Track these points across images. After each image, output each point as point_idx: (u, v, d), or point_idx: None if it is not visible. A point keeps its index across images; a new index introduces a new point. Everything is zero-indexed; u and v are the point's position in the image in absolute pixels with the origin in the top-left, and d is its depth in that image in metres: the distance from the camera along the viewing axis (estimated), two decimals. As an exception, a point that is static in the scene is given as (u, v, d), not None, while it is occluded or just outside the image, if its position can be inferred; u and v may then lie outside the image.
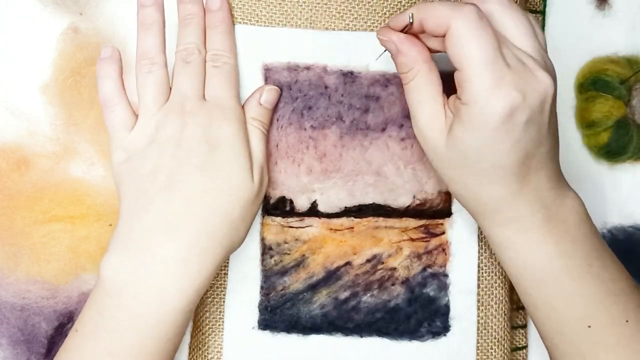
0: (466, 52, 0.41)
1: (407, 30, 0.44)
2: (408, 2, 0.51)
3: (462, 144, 0.42)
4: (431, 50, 0.45)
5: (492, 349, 0.52)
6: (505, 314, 0.52)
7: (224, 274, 0.52)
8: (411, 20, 0.43)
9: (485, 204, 0.45)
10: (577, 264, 0.44)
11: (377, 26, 0.51)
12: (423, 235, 0.52)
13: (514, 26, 0.43)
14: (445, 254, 0.52)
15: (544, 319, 0.46)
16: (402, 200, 0.52)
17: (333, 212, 0.52)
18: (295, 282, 0.52)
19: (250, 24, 0.51)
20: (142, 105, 0.48)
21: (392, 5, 0.51)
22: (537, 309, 0.46)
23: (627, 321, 0.44)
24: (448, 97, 0.44)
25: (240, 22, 0.51)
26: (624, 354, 0.44)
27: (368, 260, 0.52)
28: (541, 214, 0.44)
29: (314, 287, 0.52)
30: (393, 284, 0.52)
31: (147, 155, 0.47)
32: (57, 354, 0.47)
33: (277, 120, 0.51)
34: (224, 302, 0.52)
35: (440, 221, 0.52)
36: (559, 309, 0.45)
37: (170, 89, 0.49)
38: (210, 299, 0.52)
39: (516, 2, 0.51)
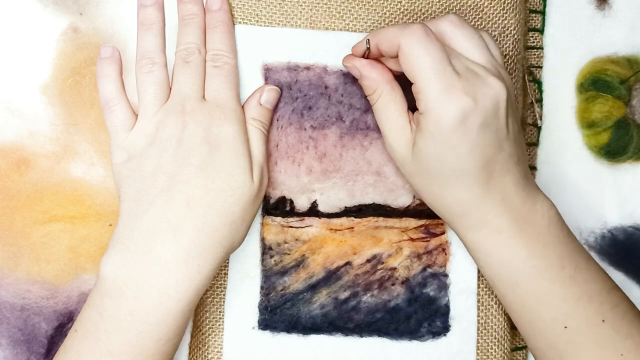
0: (416, 65, 0.43)
1: (367, 55, 0.48)
2: (408, 2, 0.51)
3: (424, 153, 0.45)
4: (395, 72, 0.47)
5: (492, 349, 0.52)
6: (505, 314, 0.52)
7: (224, 274, 0.52)
8: (368, 46, 0.47)
9: (452, 209, 0.46)
10: (548, 266, 0.45)
11: (377, 26, 0.51)
12: (423, 235, 0.52)
13: (466, 42, 0.45)
14: (445, 254, 0.52)
15: (521, 320, 0.47)
16: (402, 200, 0.52)
17: (333, 212, 0.52)
18: (295, 282, 0.52)
19: (251, 24, 0.51)
20: (142, 105, 0.48)
21: (392, 5, 0.51)
22: (513, 311, 0.47)
23: (603, 321, 0.45)
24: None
25: (240, 22, 0.51)
26: (601, 354, 0.45)
27: (368, 260, 0.52)
28: (509, 218, 0.45)
29: (314, 287, 0.52)
30: (393, 284, 0.52)
31: (147, 156, 0.47)
32: (57, 354, 0.47)
33: (277, 120, 0.51)
34: (224, 302, 0.52)
35: (440, 221, 0.52)
36: (534, 310, 0.46)
37: (171, 89, 0.49)
38: (210, 299, 0.52)
39: (516, 4, 0.51)
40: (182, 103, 0.48)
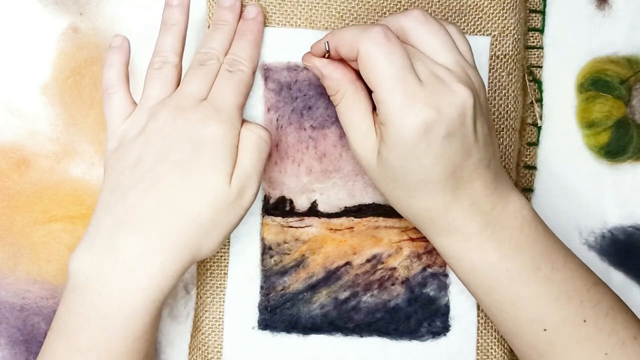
0: (376, 74, 0.41)
1: (327, 56, 0.46)
2: (408, 2, 0.51)
3: (387, 162, 0.43)
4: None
5: (492, 349, 0.52)
6: (505, 314, 0.52)
7: (224, 273, 0.52)
8: (327, 48, 0.45)
9: (419, 216, 0.45)
10: (522, 268, 0.44)
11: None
12: (423, 235, 0.52)
13: (431, 41, 0.43)
14: (445, 254, 0.52)
15: (500, 322, 0.46)
16: (402, 200, 0.52)
17: (333, 212, 0.52)
18: (295, 282, 0.52)
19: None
20: (143, 97, 0.48)
21: (391, 5, 0.51)
22: (491, 313, 0.46)
23: (584, 321, 0.44)
24: None
25: (240, 22, 0.51)
26: (584, 354, 0.44)
27: (368, 260, 0.52)
28: (479, 223, 0.44)
29: (313, 287, 0.52)
30: (393, 284, 0.52)
31: (133, 146, 0.46)
32: (39, 353, 0.46)
33: (277, 120, 0.51)
34: (224, 302, 0.52)
35: (440, 221, 0.52)
36: (511, 312, 0.45)
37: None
38: (210, 299, 0.52)
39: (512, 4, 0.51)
40: (181, 100, 0.47)
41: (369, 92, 0.44)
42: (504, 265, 0.44)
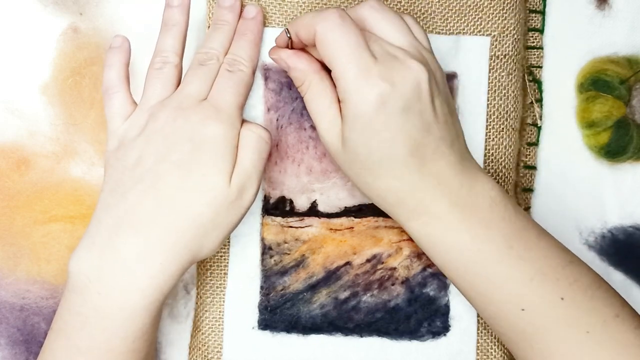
0: (332, 51, 0.43)
1: (291, 45, 0.47)
2: (408, 2, 0.51)
3: (350, 143, 0.44)
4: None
5: (492, 349, 0.52)
6: (505, 314, 0.52)
7: (224, 273, 0.52)
8: (288, 35, 0.46)
9: (387, 199, 0.45)
10: (494, 247, 0.44)
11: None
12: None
13: (386, 25, 0.44)
14: (445, 254, 0.52)
15: (479, 306, 0.46)
16: (402, 200, 0.52)
17: (333, 212, 0.52)
18: (295, 282, 0.52)
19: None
20: (143, 98, 0.48)
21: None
22: (469, 297, 0.46)
23: (562, 299, 0.44)
24: None
25: (240, 22, 0.51)
26: (565, 333, 0.44)
27: (368, 260, 0.52)
28: (447, 203, 0.44)
29: (313, 287, 0.52)
30: (393, 284, 0.52)
31: (133, 146, 0.46)
32: (40, 353, 0.47)
33: (277, 120, 0.51)
34: (224, 302, 0.52)
35: (440, 221, 0.52)
36: (487, 294, 0.45)
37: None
38: (210, 299, 0.52)
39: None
40: (181, 100, 0.47)
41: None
42: (476, 246, 0.44)
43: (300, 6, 0.50)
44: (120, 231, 0.44)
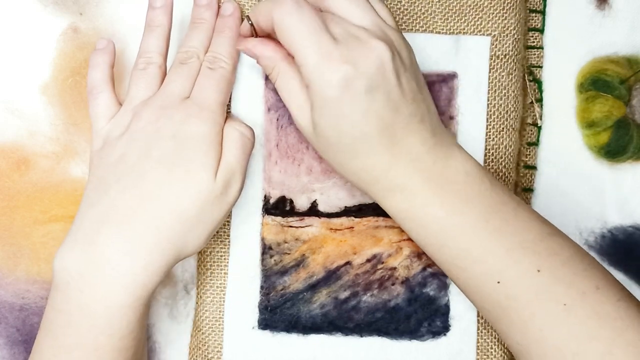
0: (290, 36, 0.42)
1: (256, 34, 0.46)
2: (408, 2, 0.51)
3: (320, 126, 0.44)
4: None
5: (492, 348, 0.52)
6: (505, 314, 0.52)
7: (224, 273, 0.52)
8: (250, 23, 0.46)
9: (362, 177, 0.45)
10: (470, 221, 0.44)
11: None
12: (423, 235, 0.52)
13: (347, 4, 0.44)
14: (446, 254, 0.52)
15: (456, 279, 0.46)
16: (402, 200, 0.52)
17: (333, 211, 0.52)
18: (295, 282, 0.52)
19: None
20: (127, 98, 0.49)
21: (391, 5, 0.51)
22: (449, 273, 0.46)
23: (538, 271, 0.43)
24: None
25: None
26: (543, 306, 0.43)
27: (368, 260, 0.52)
28: (421, 178, 0.44)
29: (314, 287, 0.52)
30: (393, 284, 0.52)
31: (116, 145, 0.47)
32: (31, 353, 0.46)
33: (277, 120, 0.51)
34: (224, 302, 0.52)
35: (441, 221, 0.52)
36: (464, 267, 0.45)
37: None
38: (210, 299, 0.52)
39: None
40: (164, 99, 0.47)
41: None
42: (452, 220, 0.44)
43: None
44: (103, 228, 0.44)
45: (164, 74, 0.49)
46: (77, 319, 0.44)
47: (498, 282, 0.44)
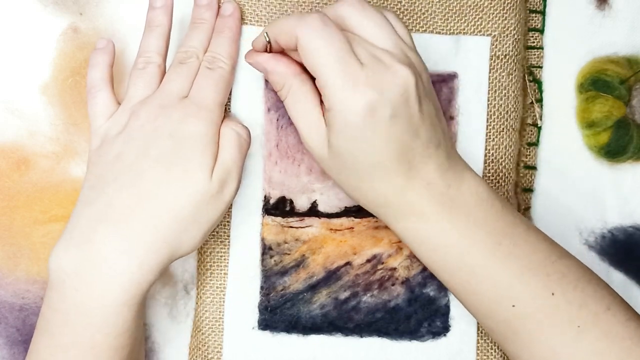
0: (316, 59, 0.42)
1: (269, 49, 0.46)
2: (408, 2, 0.51)
3: (337, 150, 0.43)
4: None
5: (492, 348, 0.52)
6: (505, 314, 0.52)
7: (224, 273, 0.52)
8: (267, 39, 0.45)
9: (375, 201, 0.45)
10: (482, 245, 0.44)
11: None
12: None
13: (369, 25, 0.43)
14: (446, 254, 0.52)
15: (468, 303, 0.46)
16: (402, 200, 0.52)
17: (333, 212, 0.52)
18: (295, 282, 0.52)
19: (251, 24, 0.51)
20: (126, 97, 0.49)
21: (392, 6, 0.51)
22: (460, 296, 0.46)
23: (552, 294, 0.44)
24: None
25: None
26: (556, 329, 0.44)
27: (368, 260, 0.52)
28: (435, 202, 0.44)
29: (314, 287, 0.52)
30: (393, 284, 0.52)
31: (114, 143, 0.47)
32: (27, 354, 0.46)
33: (277, 120, 0.51)
34: (224, 302, 0.52)
35: (440, 221, 0.52)
36: (478, 292, 0.45)
37: None
38: (210, 299, 0.52)
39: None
40: (162, 98, 0.47)
41: (315, 83, 0.44)
42: (464, 243, 0.44)
43: (301, 5, 0.50)
44: (99, 226, 0.44)
45: (163, 74, 0.49)
46: (73, 318, 0.44)
47: (513, 306, 0.44)
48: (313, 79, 0.44)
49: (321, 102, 0.44)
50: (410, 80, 0.42)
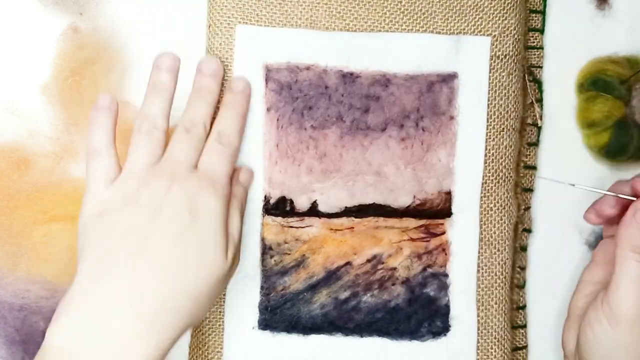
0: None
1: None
2: (408, 2, 0.51)
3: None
4: None
5: (492, 349, 0.52)
6: (505, 314, 0.52)
7: (224, 274, 0.52)
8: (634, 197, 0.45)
9: None
10: None
11: (377, 26, 0.51)
12: (423, 235, 0.52)
13: None
14: (446, 254, 0.52)
15: None
16: (402, 200, 0.52)
17: (333, 212, 0.52)
18: (295, 282, 0.52)
19: (251, 24, 0.51)
20: (129, 161, 0.47)
21: (392, 5, 0.51)
22: None
23: None
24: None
25: (240, 22, 0.51)
26: None
27: (368, 260, 0.52)
28: None
29: (314, 287, 0.52)
30: (393, 284, 0.52)
31: (122, 214, 0.45)
32: None
33: (278, 120, 0.51)
34: (224, 302, 0.52)
35: (441, 221, 0.52)
36: None
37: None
38: (210, 299, 0.52)
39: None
40: (172, 168, 0.46)
41: None
42: None
43: (301, 5, 0.50)
44: (114, 304, 0.42)
45: (167, 139, 0.48)
46: None
47: None
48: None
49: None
50: None
